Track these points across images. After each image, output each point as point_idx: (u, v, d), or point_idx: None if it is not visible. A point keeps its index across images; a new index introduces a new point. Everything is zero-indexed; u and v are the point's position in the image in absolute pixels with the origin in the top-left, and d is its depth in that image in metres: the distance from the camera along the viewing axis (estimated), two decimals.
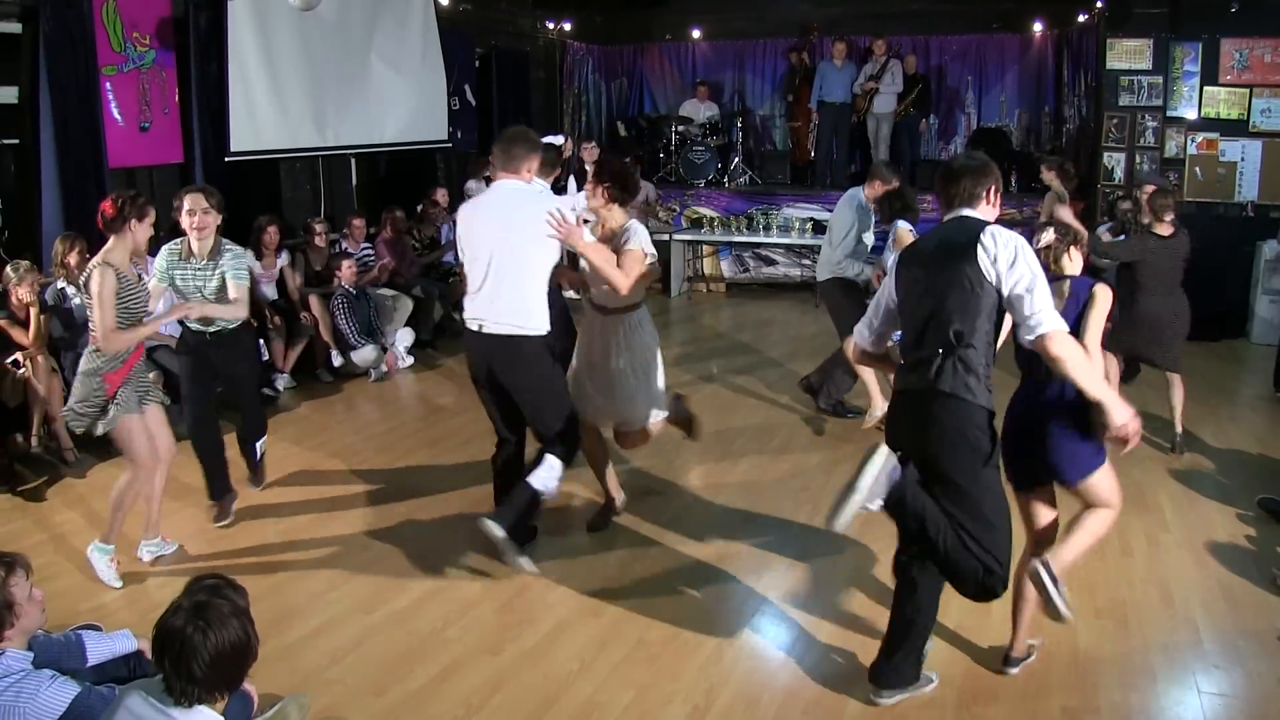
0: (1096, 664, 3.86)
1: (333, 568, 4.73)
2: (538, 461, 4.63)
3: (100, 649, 3.32)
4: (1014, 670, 3.81)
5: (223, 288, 4.99)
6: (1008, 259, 3.25)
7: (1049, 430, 3.59)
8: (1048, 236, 3.87)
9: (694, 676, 3.79)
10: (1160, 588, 4.50)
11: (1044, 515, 3.79)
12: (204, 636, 2.40)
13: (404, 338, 8.63)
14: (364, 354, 8.08)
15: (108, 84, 7.17)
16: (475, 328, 4.58)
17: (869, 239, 6.73)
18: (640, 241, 4.68)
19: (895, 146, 12.16)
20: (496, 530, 4.42)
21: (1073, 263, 3.86)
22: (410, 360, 8.51)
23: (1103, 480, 3.63)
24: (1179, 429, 6.28)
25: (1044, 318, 3.19)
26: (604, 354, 4.90)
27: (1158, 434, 6.33)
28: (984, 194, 3.48)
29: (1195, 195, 9.76)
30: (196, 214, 4.92)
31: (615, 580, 4.60)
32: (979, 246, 3.28)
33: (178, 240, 5.05)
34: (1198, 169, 9.92)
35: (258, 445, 5.65)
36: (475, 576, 4.66)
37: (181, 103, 7.83)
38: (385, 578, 4.63)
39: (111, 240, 4.49)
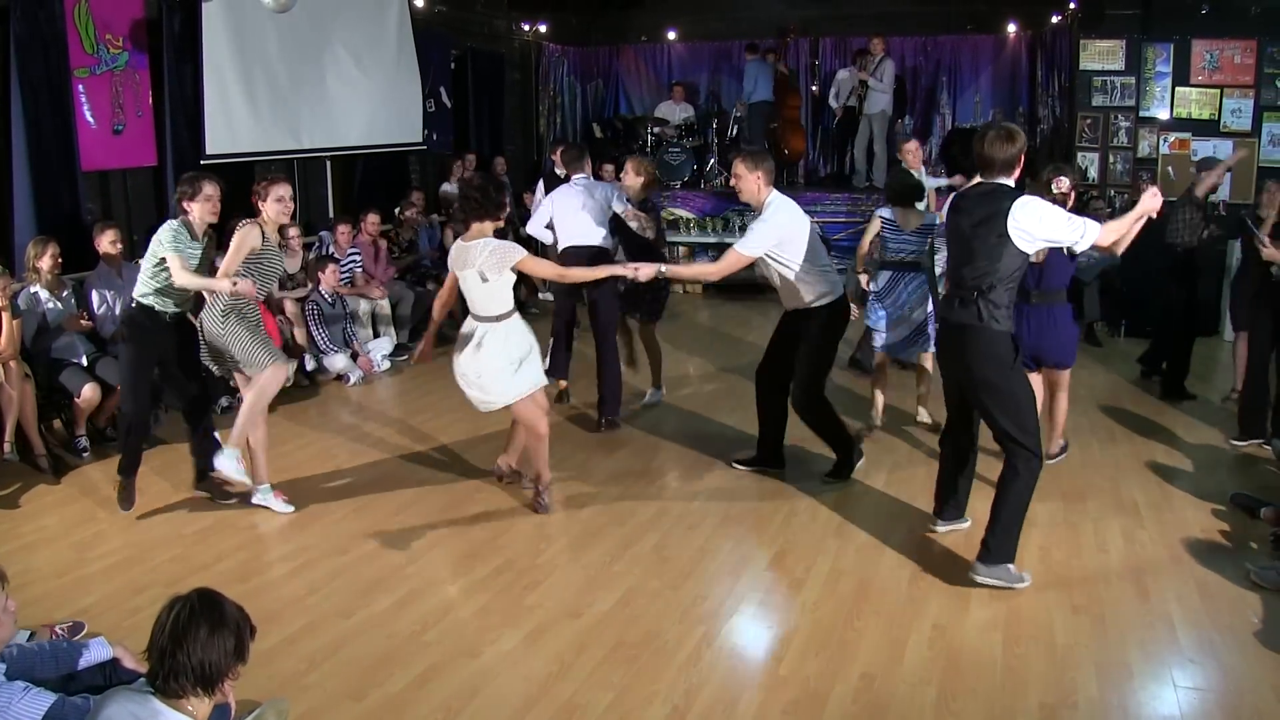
0: (1074, 660, 3.88)
1: (310, 572, 4.70)
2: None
3: (74, 657, 3.28)
4: (1058, 459, 5.86)
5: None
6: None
7: (1055, 324, 5.50)
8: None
9: (673, 677, 3.79)
10: (1136, 584, 4.54)
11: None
12: (199, 624, 2.49)
13: (382, 345, 8.60)
14: (334, 361, 8.05)
15: (80, 86, 7.11)
16: None
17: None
18: None
19: (871, 147, 12.23)
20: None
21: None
22: (388, 365, 8.48)
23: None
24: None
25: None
26: None
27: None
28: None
29: (1168, 195, 9.77)
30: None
31: (593, 582, 4.59)
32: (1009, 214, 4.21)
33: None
34: (1170, 168, 10.02)
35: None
36: (453, 579, 4.65)
37: (155, 105, 7.78)
38: (363, 582, 4.60)
39: None
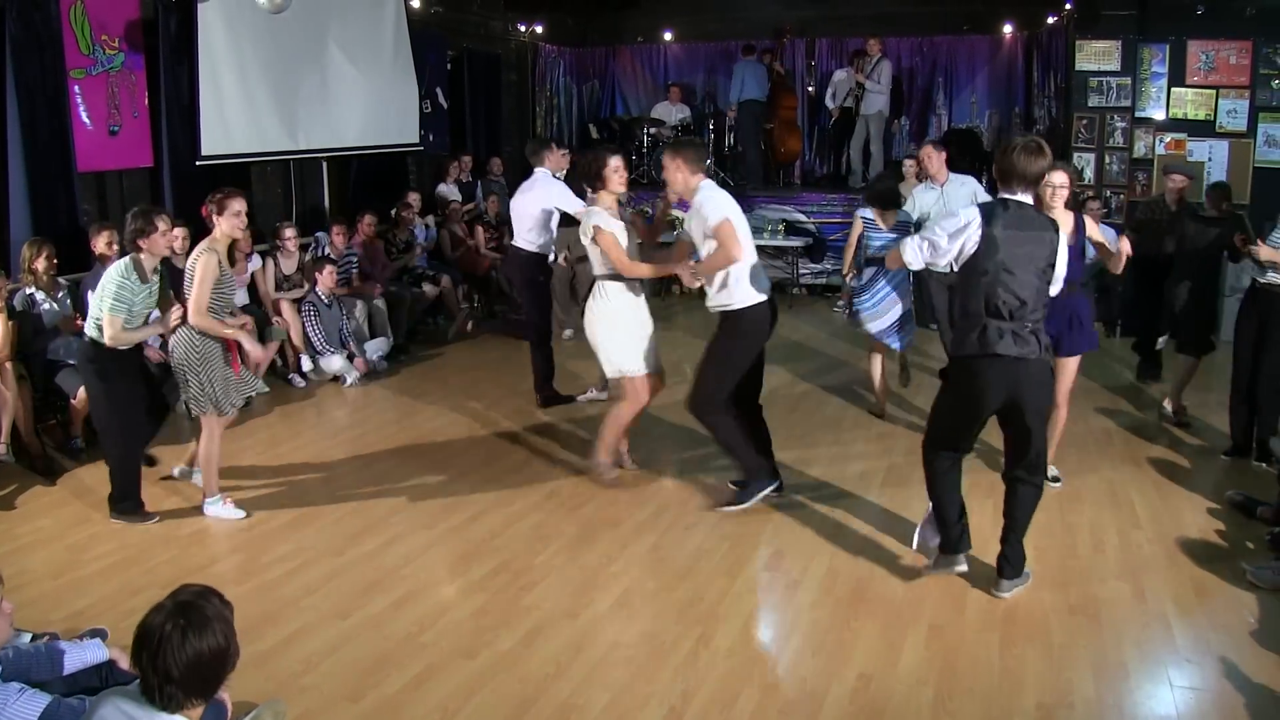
0: (1070, 660, 3.89)
1: (307, 573, 4.70)
2: None
3: (71, 659, 3.28)
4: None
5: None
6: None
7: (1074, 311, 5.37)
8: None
9: (670, 678, 3.79)
10: (1133, 583, 4.54)
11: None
12: (183, 636, 2.38)
13: (378, 345, 8.59)
14: (331, 362, 8.04)
15: (76, 87, 7.09)
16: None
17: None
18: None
19: (867, 147, 12.24)
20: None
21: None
22: (384, 366, 8.47)
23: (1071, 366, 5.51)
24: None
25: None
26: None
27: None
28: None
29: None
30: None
31: (590, 582, 4.60)
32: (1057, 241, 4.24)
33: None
34: (1166, 169, 10.02)
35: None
36: (450, 580, 4.65)
37: (151, 106, 7.76)
38: (360, 583, 4.60)
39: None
